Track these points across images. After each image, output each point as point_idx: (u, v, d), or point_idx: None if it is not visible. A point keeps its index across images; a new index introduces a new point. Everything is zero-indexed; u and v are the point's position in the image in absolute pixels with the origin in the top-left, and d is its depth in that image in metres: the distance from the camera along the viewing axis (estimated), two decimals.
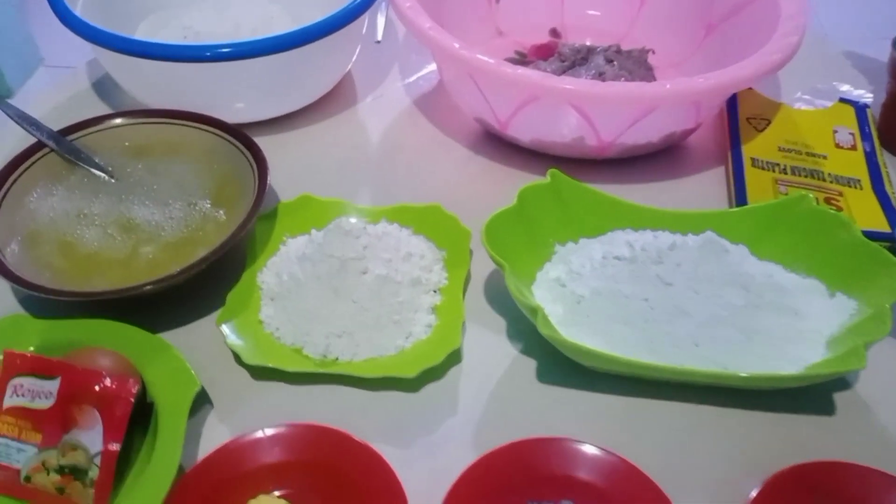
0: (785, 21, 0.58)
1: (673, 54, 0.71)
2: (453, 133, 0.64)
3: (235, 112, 0.61)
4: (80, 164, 0.53)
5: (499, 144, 0.63)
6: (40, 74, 1.76)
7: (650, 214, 0.52)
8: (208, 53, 0.54)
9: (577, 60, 0.63)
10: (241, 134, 0.54)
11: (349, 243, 0.47)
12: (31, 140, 0.53)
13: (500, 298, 0.51)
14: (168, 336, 0.46)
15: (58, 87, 0.66)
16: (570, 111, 0.55)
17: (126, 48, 0.55)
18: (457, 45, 0.55)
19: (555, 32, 0.75)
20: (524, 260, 0.49)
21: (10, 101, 0.53)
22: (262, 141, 0.58)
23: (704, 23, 0.69)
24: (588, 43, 0.72)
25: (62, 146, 0.53)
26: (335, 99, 0.66)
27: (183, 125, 0.55)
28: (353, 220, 0.52)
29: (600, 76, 0.61)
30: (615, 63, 0.62)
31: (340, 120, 0.65)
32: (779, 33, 0.56)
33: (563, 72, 0.62)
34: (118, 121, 0.55)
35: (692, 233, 0.51)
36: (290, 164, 0.60)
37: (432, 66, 0.71)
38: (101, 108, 0.65)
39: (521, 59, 0.72)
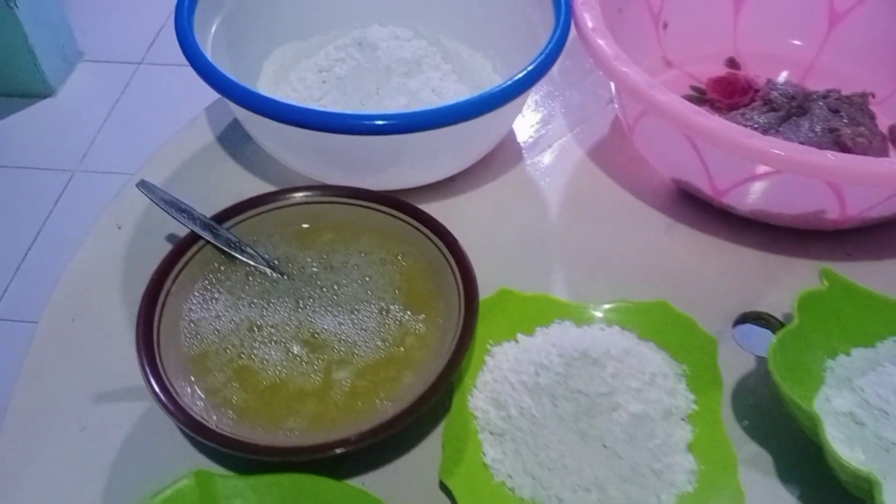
0: None
1: (875, 87, 0.61)
2: (641, 192, 0.55)
3: (381, 180, 0.52)
4: (242, 258, 0.44)
5: (701, 209, 0.53)
6: (81, 70, 1.68)
7: None
8: (379, 124, 0.45)
9: (793, 109, 0.53)
10: (428, 218, 0.45)
11: (596, 374, 0.39)
12: (170, 227, 0.44)
13: (758, 422, 0.42)
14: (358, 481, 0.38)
15: (177, 146, 0.57)
16: (820, 186, 0.46)
17: (286, 116, 0.45)
18: (682, 106, 0.46)
19: (733, 63, 0.65)
20: (800, 385, 0.40)
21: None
22: None
23: None
24: (786, 79, 0.63)
25: (220, 238, 0.44)
26: (496, 155, 0.56)
27: (354, 205, 0.46)
28: (573, 329, 0.44)
29: (831, 132, 0.51)
30: (843, 114, 0.53)
31: (506, 182, 0.56)
32: None
33: (779, 124, 0.53)
34: (278, 202, 0.46)
35: None
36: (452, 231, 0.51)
37: (601, 107, 0.62)
38: (233, 171, 0.56)
39: (701, 97, 0.62)
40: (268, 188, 0.54)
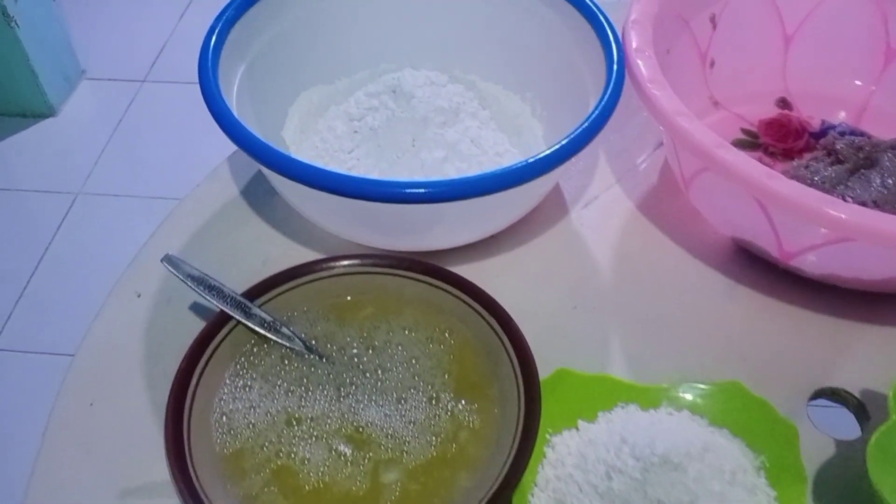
0: None
1: None
2: (697, 249, 0.51)
3: (419, 241, 0.48)
4: (277, 339, 0.40)
5: (764, 269, 0.50)
6: (83, 89, 1.64)
7: None
8: (423, 192, 0.41)
9: (860, 161, 0.50)
10: (478, 292, 0.42)
11: (677, 481, 0.35)
12: (194, 295, 0.40)
13: None
14: None
15: (198, 202, 0.53)
16: None
17: (321, 184, 0.41)
18: (753, 168, 0.42)
19: (784, 103, 0.61)
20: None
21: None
22: (457, 272, 0.46)
23: None
24: (841, 120, 0.59)
25: (254, 318, 0.40)
26: (539, 209, 0.53)
27: (396, 275, 0.43)
28: (639, 414, 0.40)
29: None
30: None
31: (551, 238, 0.52)
32: None
33: (847, 178, 0.49)
34: (315, 273, 0.42)
35: None
36: (500, 301, 0.47)
37: (647, 152, 0.58)
38: (259, 231, 0.52)
39: (754, 141, 0.58)
40: (297, 250, 0.50)
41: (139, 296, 0.47)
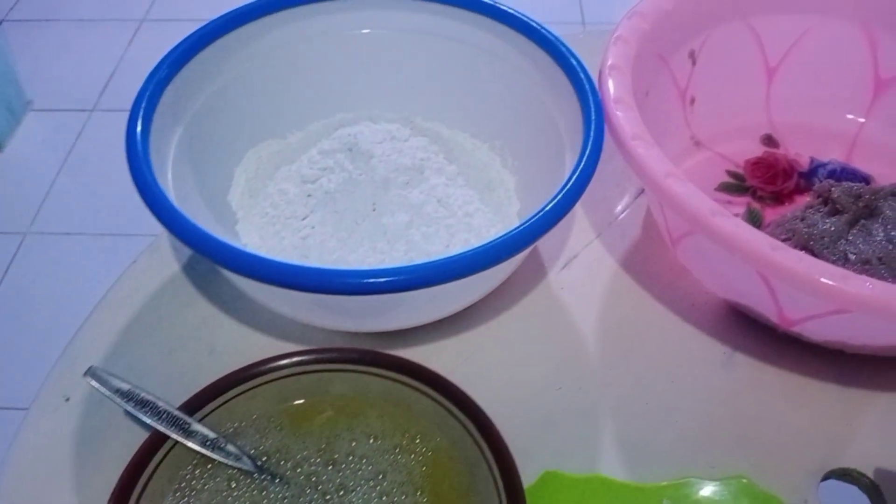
0: None
1: None
2: (688, 313, 0.47)
3: (383, 323, 0.43)
4: (222, 459, 0.35)
5: (763, 333, 0.45)
6: (30, 121, 1.56)
7: None
8: (382, 282, 0.36)
9: (860, 210, 0.46)
10: (452, 389, 0.37)
11: None
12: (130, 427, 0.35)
13: None
14: None
15: (135, 281, 0.47)
16: None
17: (266, 276, 0.36)
18: (755, 238, 0.37)
19: (770, 140, 0.57)
20: None
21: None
22: (427, 352, 0.43)
23: None
24: (830, 162, 0.55)
25: (194, 436, 0.35)
26: (516, 274, 0.48)
27: (358, 372, 0.38)
28: None
29: None
30: None
31: (529, 307, 0.47)
32: None
33: (847, 230, 0.45)
34: (263, 376, 0.37)
35: None
36: (476, 386, 0.42)
37: (628, 201, 0.54)
38: (205, 315, 0.46)
39: (740, 184, 0.54)
40: (248, 336, 0.45)
41: (67, 400, 0.42)
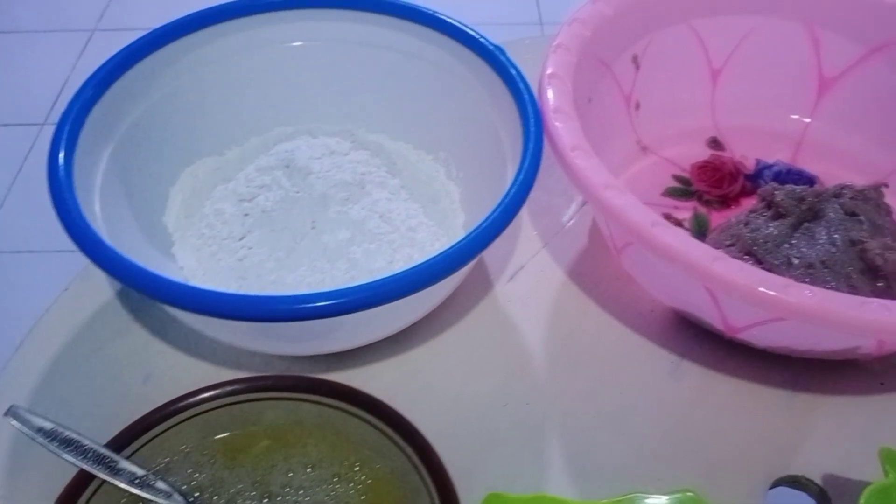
0: None
1: (874, 160, 0.54)
2: (635, 322, 0.47)
3: (324, 345, 0.42)
4: (152, 497, 0.34)
5: (709, 340, 0.45)
6: None
7: None
8: (313, 307, 0.35)
9: (804, 213, 0.46)
10: (389, 413, 0.36)
11: None
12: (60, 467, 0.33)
13: None
14: None
15: (68, 307, 0.46)
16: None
17: (194, 307, 0.35)
18: (697, 251, 0.37)
19: (716, 143, 0.57)
20: None
21: None
22: (371, 373, 0.42)
23: None
24: (776, 164, 0.55)
25: (121, 474, 0.34)
26: (461, 288, 0.47)
27: (294, 399, 0.36)
28: None
29: (853, 244, 0.43)
30: (861, 217, 0.45)
31: (474, 321, 0.46)
32: None
33: (790, 234, 0.45)
34: (195, 407, 0.36)
35: None
36: (420, 406, 0.41)
37: (574, 209, 0.53)
38: (140, 342, 0.45)
39: (686, 189, 0.54)
40: (184, 362, 0.44)
41: None
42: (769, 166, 0.55)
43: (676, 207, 0.53)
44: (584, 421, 0.42)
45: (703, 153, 0.56)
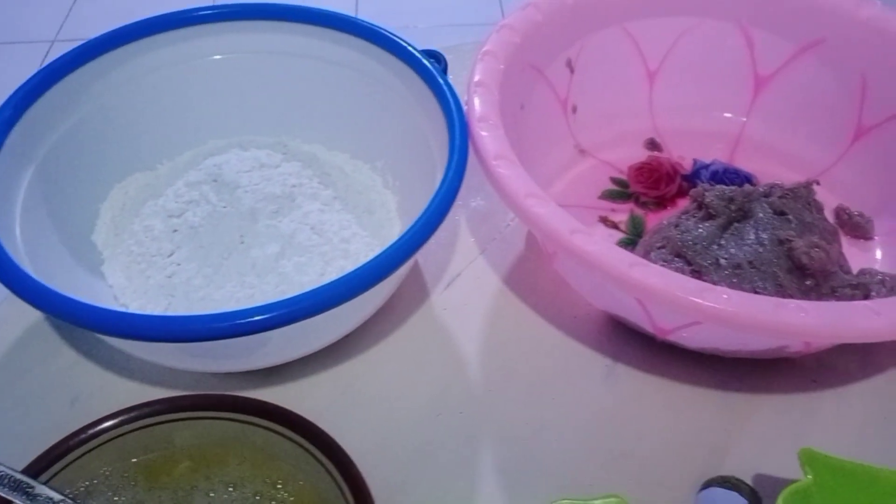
0: None
1: (810, 157, 0.55)
2: (570, 327, 0.47)
3: (254, 361, 0.42)
4: None
5: (643, 343, 0.45)
6: None
7: None
8: (248, 322, 0.35)
9: (733, 214, 0.46)
10: (311, 430, 0.35)
11: None
12: None
13: None
14: None
15: None
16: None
17: (113, 330, 0.34)
18: (616, 258, 0.37)
19: (653, 144, 0.57)
20: None
21: None
22: (303, 387, 0.42)
23: (852, 121, 0.54)
24: (713, 163, 0.56)
25: (38, 500, 0.33)
26: (396, 297, 0.47)
27: (215, 419, 0.36)
28: None
29: (780, 244, 0.44)
30: (789, 216, 0.45)
31: (409, 332, 0.46)
32: None
33: (720, 234, 0.45)
34: (114, 430, 0.36)
35: None
36: (353, 420, 0.41)
37: (513, 217, 0.53)
38: (69, 362, 0.44)
39: (624, 191, 0.54)
40: (113, 383, 0.43)
41: None
42: (706, 166, 0.56)
43: (613, 210, 0.53)
44: (517, 428, 0.42)
45: (642, 155, 0.57)
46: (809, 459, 0.35)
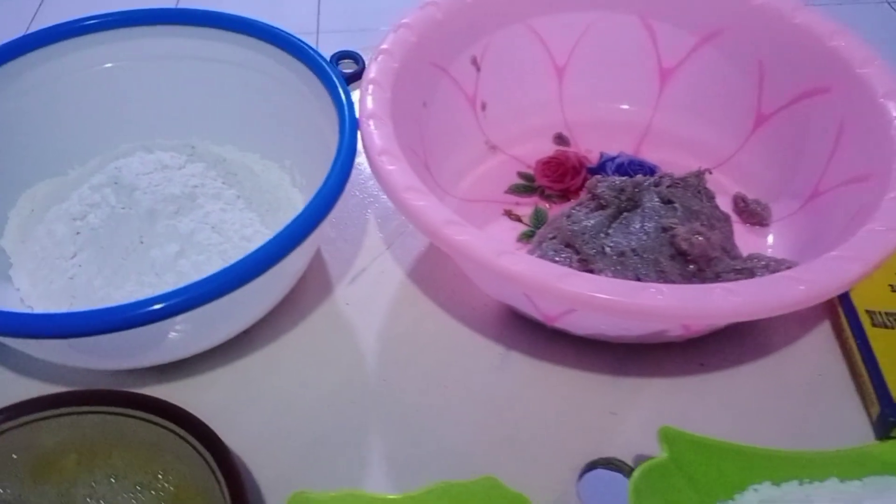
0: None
1: (717, 146, 0.56)
2: (469, 317, 0.48)
3: (152, 357, 0.43)
4: None
5: (536, 331, 0.47)
6: None
7: (799, 461, 0.37)
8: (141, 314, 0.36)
9: (623, 204, 0.47)
10: (189, 421, 0.36)
11: None
12: None
13: None
14: None
15: None
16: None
17: (35, 330, 0.36)
18: (483, 247, 0.38)
19: (561, 139, 0.59)
20: None
21: None
22: (202, 383, 0.43)
23: (753, 109, 0.55)
24: (619, 155, 0.57)
25: None
26: (300, 292, 0.48)
27: (99, 413, 0.37)
28: None
29: (664, 231, 0.45)
30: (676, 205, 0.47)
31: (312, 326, 0.47)
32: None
33: (609, 224, 0.46)
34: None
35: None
36: (249, 415, 0.42)
37: None
38: None
39: (530, 185, 0.55)
40: (9, 381, 0.44)
41: None
42: (612, 158, 0.57)
43: (518, 203, 0.54)
44: (409, 417, 0.43)
45: (551, 150, 0.58)
46: (668, 437, 0.36)
